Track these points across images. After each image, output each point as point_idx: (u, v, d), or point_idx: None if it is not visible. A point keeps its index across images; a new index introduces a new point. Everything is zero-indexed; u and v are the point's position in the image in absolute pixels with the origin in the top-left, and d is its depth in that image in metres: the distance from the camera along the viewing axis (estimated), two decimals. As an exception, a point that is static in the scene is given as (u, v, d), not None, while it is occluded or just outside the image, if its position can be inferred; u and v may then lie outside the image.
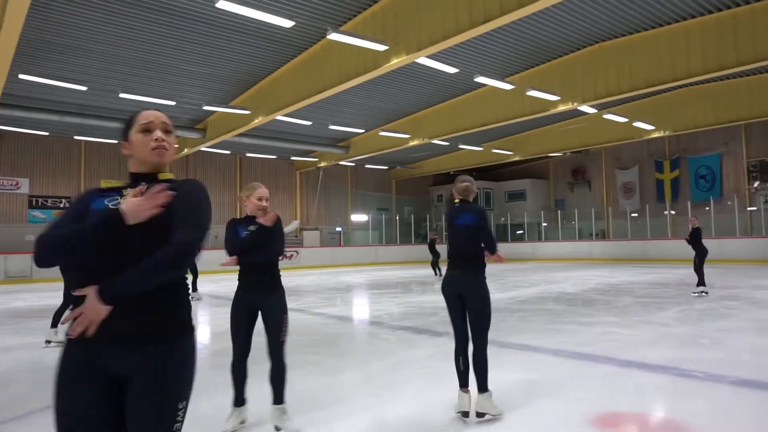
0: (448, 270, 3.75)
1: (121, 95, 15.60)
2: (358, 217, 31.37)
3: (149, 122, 1.70)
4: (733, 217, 23.10)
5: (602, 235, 28.89)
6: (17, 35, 9.03)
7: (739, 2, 12.37)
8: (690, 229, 10.67)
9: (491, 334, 3.64)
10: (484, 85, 16.44)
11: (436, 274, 17.02)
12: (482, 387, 3.52)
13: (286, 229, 27.62)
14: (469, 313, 3.59)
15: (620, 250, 25.89)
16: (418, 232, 31.98)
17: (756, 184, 24.51)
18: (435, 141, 21.59)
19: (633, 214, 27.26)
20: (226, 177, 26.83)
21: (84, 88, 15.16)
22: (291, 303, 3.90)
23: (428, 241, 18.05)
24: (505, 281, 15.16)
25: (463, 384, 3.60)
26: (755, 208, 24.13)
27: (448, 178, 34.69)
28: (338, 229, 30.06)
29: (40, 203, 22.30)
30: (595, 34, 14.54)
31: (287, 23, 10.27)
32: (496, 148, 25.72)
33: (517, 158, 26.64)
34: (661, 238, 24.97)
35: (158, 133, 1.70)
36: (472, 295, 3.56)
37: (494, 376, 3.72)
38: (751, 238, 22.26)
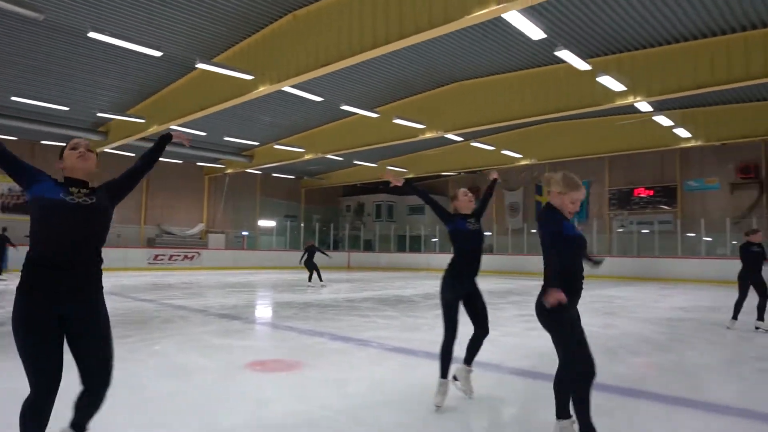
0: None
1: (13, 98, 16.46)
2: (266, 223, 32.76)
3: (76, 143, 2.66)
4: (597, 238, 26.34)
5: (489, 250, 31.69)
6: None
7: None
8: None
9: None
10: (354, 113, 18.40)
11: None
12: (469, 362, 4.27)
13: (191, 231, 28.83)
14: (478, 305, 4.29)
15: (501, 263, 28.67)
16: (324, 240, 33.70)
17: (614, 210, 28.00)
18: (329, 156, 23.52)
19: (477, 231, 30.19)
20: (133, 178, 27.55)
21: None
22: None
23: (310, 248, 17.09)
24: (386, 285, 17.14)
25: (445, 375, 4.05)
26: (622, 229, 27.48)
27: (355, 190, 36.78)
28: (244, 233, 31.32)
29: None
30: (457, 74, 16.87)
31: (156, 53, 11.80)
32: (391, 165, 27.93)
33: (411, 175, 28.98)
34: (536, 254, 27.95)
35: (82, 149, 2.62)
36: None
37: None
38: (610, 258, 25.47)
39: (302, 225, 32.32)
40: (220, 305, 10.79)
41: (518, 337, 7.48)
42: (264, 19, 13.03)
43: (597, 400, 3.78)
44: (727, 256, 22.31)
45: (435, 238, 32.61)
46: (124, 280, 17.32)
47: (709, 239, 23.60)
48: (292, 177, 33.60)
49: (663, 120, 17.51)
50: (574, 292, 3.07)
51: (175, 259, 25.56)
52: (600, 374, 5.13)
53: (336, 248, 33.64)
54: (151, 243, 27.18)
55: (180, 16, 12.33)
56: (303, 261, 16.65)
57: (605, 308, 11.34)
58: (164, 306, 10.50)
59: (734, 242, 22.64)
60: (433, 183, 35.42)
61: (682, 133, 19.00)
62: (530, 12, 10.17)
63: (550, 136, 23.42)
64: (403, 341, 6.91)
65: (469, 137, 22.15)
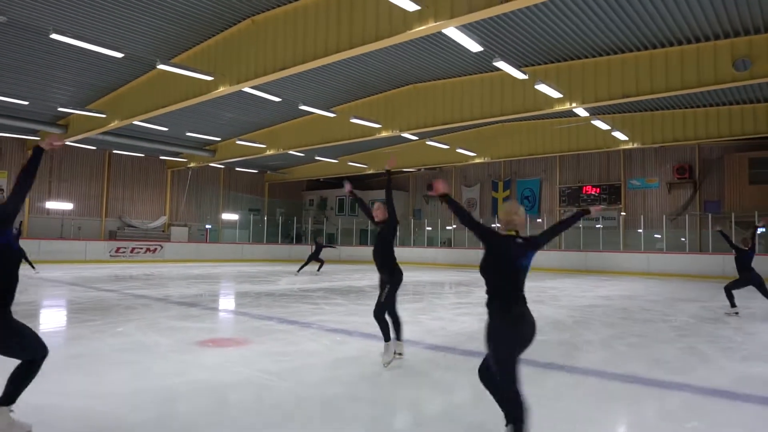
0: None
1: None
2: (229, 216, 33.19)
3: None
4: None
5: (448, 243, 32.94)
6: None
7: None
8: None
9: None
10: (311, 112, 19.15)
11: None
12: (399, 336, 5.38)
13: (154, 224, 29.07)
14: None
15: (459, 256, 29.91)
16: (287, 233, 34.33)
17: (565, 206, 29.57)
18: (290, 152, 24.20)
19: (450, 227, 31.47)
20: (95, 171, 27.67)
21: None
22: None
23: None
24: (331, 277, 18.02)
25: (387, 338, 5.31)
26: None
27: (319, 184, 37.50)
28: (207, 226, 31.70)
29: None
30: (411, 77, 17.80)
31: (118, 54, 12.35)
32: (351, 161, 28.80)
33: (371, 171, 29.92)
34: (489, 248, 29.25)
35: None
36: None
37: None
38: (560, 251, 26.89)
39: (266, 218, 32.88)
40: (180, 294, 11.51)
41: (443, 321, 8.49)
42: (224, 23, 13.68)
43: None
44: (663, 251, 24.09)
45: (399, 230, 33.58)
46: (85, 272, 17.72)
47: (658, 235, 25.29)
48: (256, 171, 34.06)
49: (600, 124, 18.87)
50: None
51: (137, 252, 25.84)
52: None
53: (299, 242, 34.34)
54: (112, 236, 27.37)
55: (141, 18, 12.85)
56: (312, 255, 19.24)
57: (535, 298, 12.51)
58: (126, 295, 11.15)
59: (668, 238, 24.46)
60: (392, 178, 36.45)
61: (620, 136, 20.44)
62: (467, 28, 11.17)
63: (503, 136, 24.67)
64: (341, 323, 7.84)
65: (424, 136, 23.16)
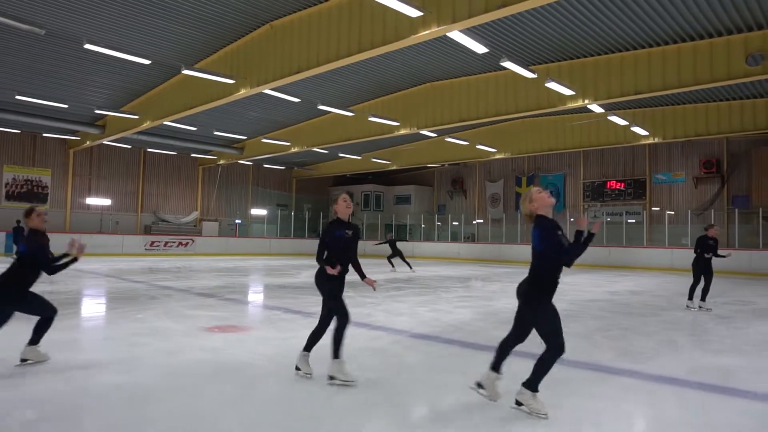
0: None
1: (17, 97, 17.87)
2: (258, 212, 34.24)
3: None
4: (571, 227, 27.78)
5: (472, 238, 33.20)
6: None
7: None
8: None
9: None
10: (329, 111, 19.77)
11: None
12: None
13: (186, 219, 30.30)
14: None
15: (481, 251, 30.17)
16: (314, 228, 35.19)
17: (589, 201, 29.45)
18: (314, 149, 24.92)
19: (477, 221, 31.69)
20: (131, 169, 29.04)
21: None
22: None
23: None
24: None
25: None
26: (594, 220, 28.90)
27: (344, 180, 38.21)
28: (237, 221, 32.82)
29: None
30: (427, 76, 18.22)
31: (145, 61, 13.19)
32: (375, 158, 29.35)
33: (394, 167, 30.41)
34: (513, 243, 29.43)
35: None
36: None
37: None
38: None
39: (293, 214, 33.80)
40: (203, 286, 12.30)
41: (439, 313, 8.96)
42: (244, 29, 14.39)
43: (470, 354, 5.30)
44: (688, 246, 23.80)
45: (423, 224, 34.06)
46: (121, 265, 18.84)
47: (687, 229, 25.04)
48: (283, 167, 34.99)
49: (618, 119, 18.86)
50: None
51: (170, 246, 27.08)
52: (484, 339, 6.68)
53: (325, 236, 35.11)
54: (147, 230, 28.70)
55: (167, 26, 13.69)
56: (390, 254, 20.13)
57: (541, 291, 12.81)
58: (153, 286, 12.00)
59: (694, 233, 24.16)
60: (417, 174, 36.89)
61: (639, 131, 20.34)
62: (472, 30, 11.53)
63: (524, 132, 24.77)
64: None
65: (443, 133, 23.48)
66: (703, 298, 9.80)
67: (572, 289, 13.47)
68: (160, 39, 14.43)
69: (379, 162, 29.93)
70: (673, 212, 25.75)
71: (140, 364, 5.00)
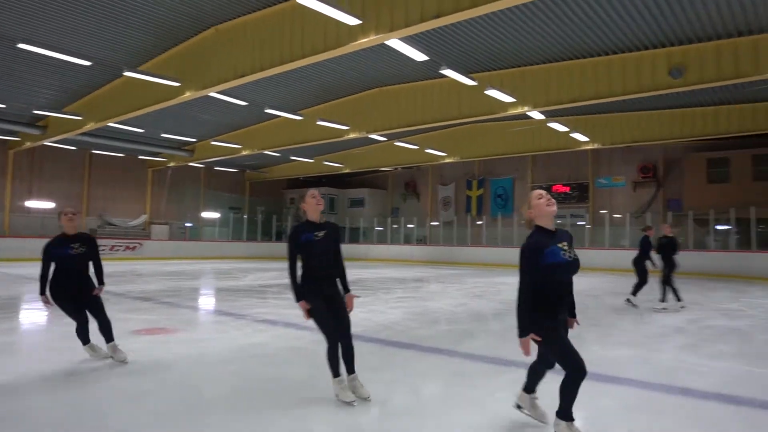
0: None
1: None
2: (210, 215, 33.83)
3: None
4: (518, 231, 28.66)
5: (424, 241, 33.74)
6: None
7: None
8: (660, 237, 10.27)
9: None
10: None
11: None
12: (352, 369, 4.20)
13: (134, 222, 29.67)
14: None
15: (433, 253, 30.71)
16: (267, 231, 34.99)
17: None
18: (266, 152, 24.89)
19: (434, 223, 32.37)
20: (75, 171, 28.25)
21: None
22: None
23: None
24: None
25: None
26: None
27: (300, 183, 38.18)
28: (188, 224, 32.33)
29: None
30: (375, 82, 18.52)
31: (85, 63, 13.00)
32: (327, 161, 29.51)
33: (347, 170, 30.67)
34: (464, 245, 30.09)
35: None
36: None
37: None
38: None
39: (246, 217, 33.53)
40: (141, 290, 12.21)
41: (372, 314, 9.24)
42: (189, 31, 14.32)
43: (390, 352, 5.57)
44: (627, 247, 24.92)
45: (381, 227, 34.38)
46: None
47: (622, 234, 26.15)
48: (236, 170, 34.70)
49: (558, 126, 19.66)
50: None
51: (117, 250, 26.46)
52: (408, 337, 6.99)
53: (279, 239, 35.00)
54: (92, 233, 27.93)
55: (109, 26, 13.47)
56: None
57: (477, 292, 13.28)
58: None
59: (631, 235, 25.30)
60: (371, 177, 37.23)
61: (579, 137, 21.23)
62: (412, 39, 11.90)
63: (472, 137, 25.42)
64: (274, 315, 8.58)
65: (393, 137, 23.87)
66: (634, 293, 10.50)
67: (508, 289, 14.01)
68: (103, 40, 14.20)
69: (332, 165, 30.10)
70: (619, 215, 26.91)
71: (59, 365, 5.07)
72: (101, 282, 5.46)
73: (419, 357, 5.90)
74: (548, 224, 3.33)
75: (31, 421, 3.65)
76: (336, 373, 4.13)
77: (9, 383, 4.52)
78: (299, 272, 4.10)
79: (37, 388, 4.44)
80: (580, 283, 15.22)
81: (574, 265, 3.25)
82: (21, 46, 11.86)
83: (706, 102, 19.09)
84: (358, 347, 6.50)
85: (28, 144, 23.80)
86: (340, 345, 4.10)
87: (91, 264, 5.38)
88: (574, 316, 3.49)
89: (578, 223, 28.16)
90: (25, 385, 4.51)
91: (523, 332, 3.23)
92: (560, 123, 19.63)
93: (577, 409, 3.34)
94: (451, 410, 4.04)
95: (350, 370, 4.20)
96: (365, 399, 4.12)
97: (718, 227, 24.02)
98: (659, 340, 7.12)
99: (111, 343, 5.28)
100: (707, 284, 16.87)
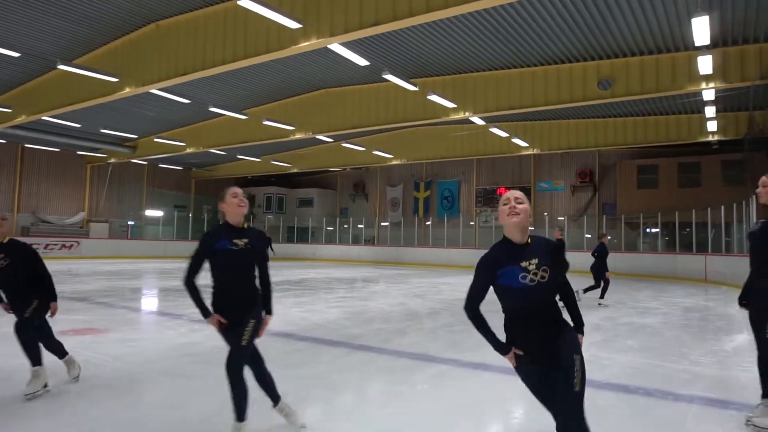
0: None
1: None
2: (153, 213, 32.97)
3: None
4: (464, 231, 29.41)
5: (372, 241, 34.05)
6: None
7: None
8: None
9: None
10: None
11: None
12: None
13: (71, 220, 28.58)
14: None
15: (380, 254, 31.05)
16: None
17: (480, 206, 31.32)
18: (212, 150, 24.54)
19: (384, 224, 32.81)
20: (6, 165, 26.93)
21: None
22: None
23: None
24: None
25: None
26: (485, 224, 30.78)
27: (247, 182, 37.72)
28: (130, 222, 31.41)
29: None
30: (321, 83, 18.63)
31: (14, 54, 12.55)
32: (275, 161, 29.37)
33: (295, 170, 30.61)
34: (411, 246, 30.59)
35: None
36: None
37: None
38: (472, 249, 28.51)
39: (191, 215, 32.89)
40: (74, 290, 11.91)
41: (310, 313, 9.42)
42: (129, 26, 14.05)
43: (317, 349, 5.72)
44: (566, 250, 25.96)
45: (330, 227, 34.43)
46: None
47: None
48: (181, 168, 33.97)
49: (498, 131, 20.37)
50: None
51: (52, 248, 25.44)
52: (339, 336, 7.17)
53: (225, 238, 34.46)
54: (25, 232, 26.72)
55: (42, 18, 13.05)
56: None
57: (419, 292, 13.65)
58: (20, 291, 11.45)
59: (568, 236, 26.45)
60: (319, 177, 37.26)
61: (519, 142, 22.06)
62: (354, 44, 12.14)
63: (419, 139, 25.95)
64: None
65: (339, 139, 24.06)
66: (587, 291, 11.46)
67: (449, 289, 14.47)
68: (35, 31, 13.71)
69: (280, 165, 29.97)
70: (561, 218, 28.04)
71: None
72: (52, 298, 4.44)
73: (346, 354, 6.13)
74: (514, 235, 2.56)
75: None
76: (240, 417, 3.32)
77: (-77, 385, 4.45)
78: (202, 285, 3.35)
79: (-47, 389, 4.40)
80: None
81: (537, 292, 2.48)
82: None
83: (635, 112, 20.26)
84: (288, 345, 6.74)
85: (-47, 136, 22.56)
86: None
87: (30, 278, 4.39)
88: (581, 332, 2.72)
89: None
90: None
91: (499, 350, 2.61)
92: (501, 129, 20.34)
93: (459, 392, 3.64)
94: (370, 403, 4.29)
95: (275, 398, 3.57)
96: (301, 428, 3.59)
97: (648, 230, 25.51)
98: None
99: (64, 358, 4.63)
100: (634, 284, 17.90)
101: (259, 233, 3.53)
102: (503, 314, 2.64)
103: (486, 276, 2.57)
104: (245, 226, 3.44)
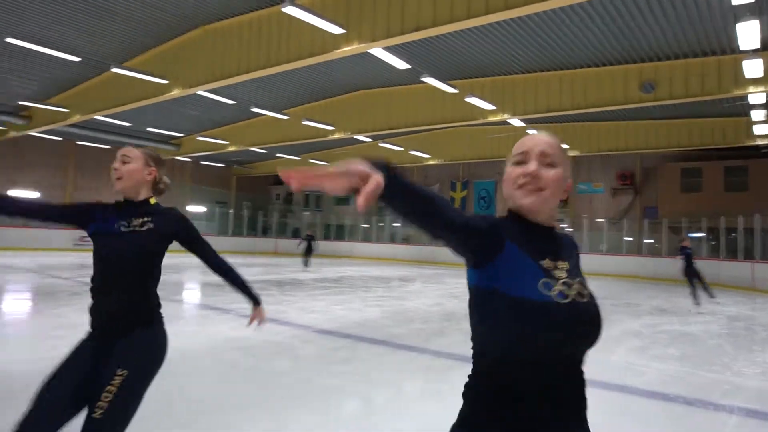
0: None
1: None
2: (196, 209, 33.99)
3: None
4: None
5: (408, 240, 34.22)
6: None
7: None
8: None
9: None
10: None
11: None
12: None
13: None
14: None
15: (416, 253, 31.19)
16: (253, 226, 35.24)
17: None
18: (252, 149, 25.19)
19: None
20: (60, 162, 28.29)
21: None
22: None
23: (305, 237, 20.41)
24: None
25: None
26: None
27: (285, 180, 38.45)
28: (173, 218, 32.43)
29: None
30: (360, 84, 18.95)
31: (75, 58, 13.23)
32: (313, 159, 29.88)
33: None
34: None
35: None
36: None
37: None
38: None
39: (231, 212, 33.77)
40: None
41: (350, 311, 9.68)
42: (177, 30, 14.63)
43: (362, 347, 5.95)
44: (603, 252, 25.63)
45: (367, 225, 34.80)
46: (50, 260, 18.54)
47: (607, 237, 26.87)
48: (223, 165, 34.89)
49: (537, 133, 20.20)
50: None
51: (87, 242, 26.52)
52: (381, 335, 7.39)
53: (265, 234, 35.30)
54: (76, 225, 27.99)
55: (98, 22, 13.73)
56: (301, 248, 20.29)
57: (455, 293, 13.77)
58: (77, 283, 12.08)
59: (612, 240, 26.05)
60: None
61: (558, 144, 21.82)
62: (396, 48, 12.34)
63: (455, 140, 26.02)
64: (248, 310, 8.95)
65: (377, 138, 24.33)
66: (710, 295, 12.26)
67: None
68: (91, 35, 14.43)
69: (317, 164, 30.48)
70: (601, 220, 27.64)
71: (50, 356, 5.43)
72: None
73: (387, 352, 6.34)
74: (533, 211, 1.38)
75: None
76: None
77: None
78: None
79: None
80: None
81: (570, 320, 1.23)
82: (10, 40, 12.05)
83: (679, 115, 19.81)
84: (332, 342, 7.01)
85: (12, 134, 23.82)
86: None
87: None
88: None
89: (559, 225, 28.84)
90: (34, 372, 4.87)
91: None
92: (540, 130, 20.17)
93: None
94: (408, 399, 4.50)
95: None
96: None
97: (691, 235, 24.85)
98: (615, 343, 7.64)
99: None
100: (677, 290, 17.55)
101: (171, 214, 2.48)
102: (477, 370, 1.35)
103: (486, 232, 1.26)
104: (147, 201, 2.42)
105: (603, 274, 23.50)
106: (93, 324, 2.27)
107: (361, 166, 1.00)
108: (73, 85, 18.97)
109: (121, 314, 2.24)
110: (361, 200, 1.01)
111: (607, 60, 14.49)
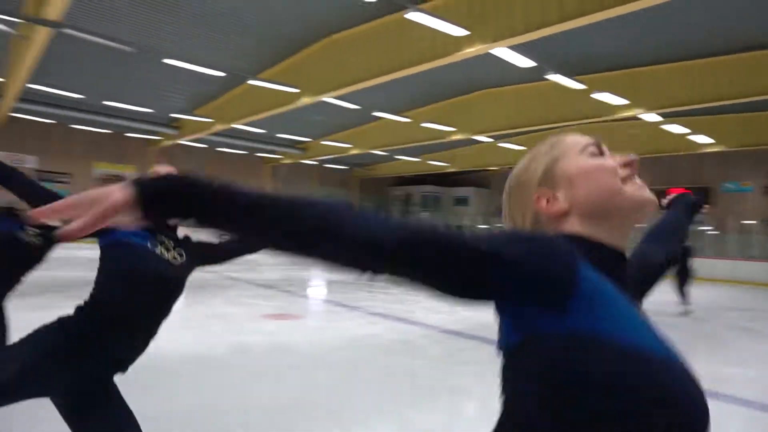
0: None
1: (104, 102, 20.05)
2: (319, 210, 35.84)
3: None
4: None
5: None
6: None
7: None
8: None
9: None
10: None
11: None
12: None
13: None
14: None
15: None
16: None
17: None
18: (374, 151, 26.04)
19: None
20: (202, 167, 31.29)
21: (82, 96, 19.74)
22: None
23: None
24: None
25: None
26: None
27: (405, 181, 39.20)
28: (300, 218, 34.51)
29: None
30: (481, 84, 18.80)
31: (220, 74, 14.63)
32: (432, 160, 30.12)
33: (452, 169, 31.08)
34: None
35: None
36: None
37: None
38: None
39: (352, 212, 35.14)
40: (264, 278, 13.59)
41: (477, 312, 9.69)
42: (307, 41, 15.54)
43: (486, 348, 6.04)
44: (755, 258, 22.87)
45: (485, 225, 34.48)
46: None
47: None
48: (345, 167, 36.41)
49: (674, 128, 18.69)
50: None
51: (237, 239, 28.99)
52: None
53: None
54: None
55: (237, 40, 15.03)
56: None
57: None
58: (222, 277, 13.34)
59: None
60: (475, 176, 37.24)
61: (698, 139, 20.00)
62: (516, 47, 12.10)
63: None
64: (383, 309, 9.33)
65: (496, 138, 23.90)
66: None
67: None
68: (232, 51, 15.83)
69: (437, 164, 30.65)
70: (753, 222, 24.90)
71: (211, 343, 6.14)
72: None
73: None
74: (620, 233, 0.88)
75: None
76: None
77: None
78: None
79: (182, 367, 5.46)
80: (696, 295, 14.47)
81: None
82: (166, 61, 13.61)
83: None
84: (458, 343, 7.11)
85: (166, 143, 26.84)
86: None
87: None
88: None
89: (700, 228, 26.34)
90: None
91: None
92: (679, 125, 18.65)
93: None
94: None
95: None
96: None
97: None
98: (770, 358, 6.94)
99: None
100: None
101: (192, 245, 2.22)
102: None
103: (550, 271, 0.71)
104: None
105: (753, 283, 21.05)
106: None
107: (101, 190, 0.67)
108: (215, 98, 20.91)
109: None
110: (71, 227, 0.66)
111: (758, 44, 13.02)
